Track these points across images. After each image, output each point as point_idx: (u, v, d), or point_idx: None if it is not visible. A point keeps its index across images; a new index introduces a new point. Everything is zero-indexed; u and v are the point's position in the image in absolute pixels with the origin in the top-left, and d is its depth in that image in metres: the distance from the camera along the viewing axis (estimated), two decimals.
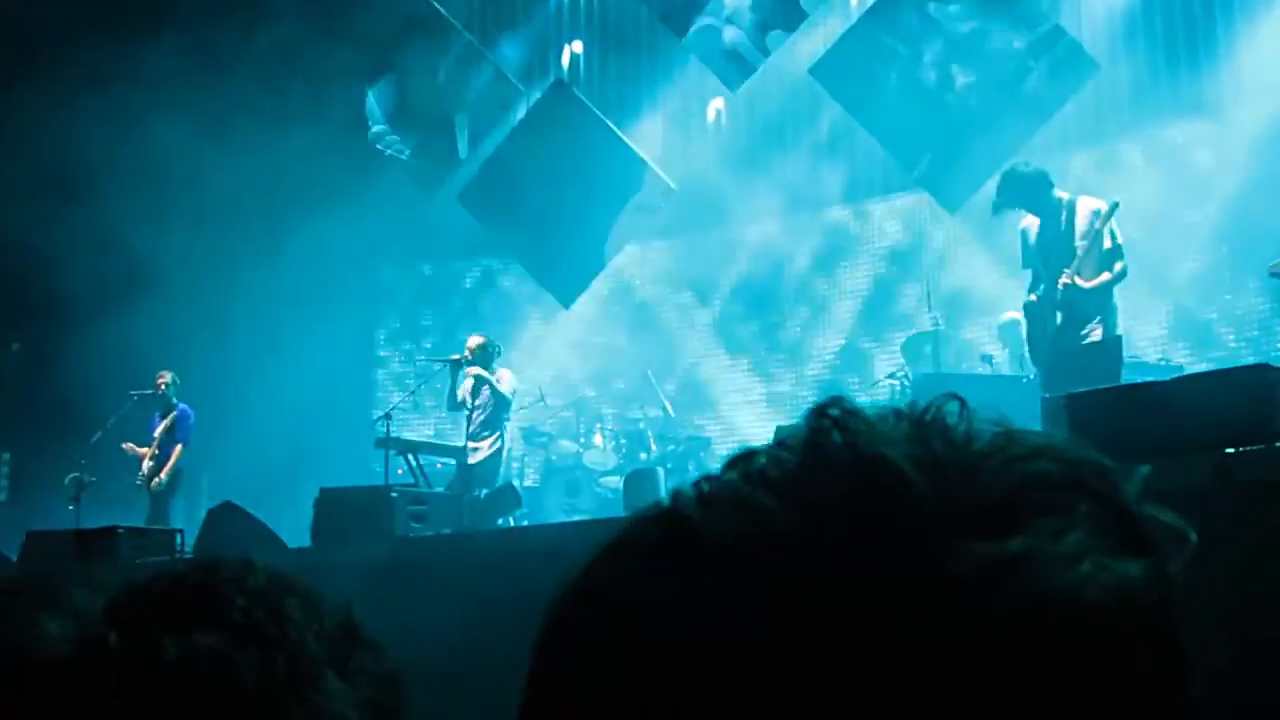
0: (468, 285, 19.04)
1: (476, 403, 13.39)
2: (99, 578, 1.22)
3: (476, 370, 13.31)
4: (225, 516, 9.93)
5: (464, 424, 13.50)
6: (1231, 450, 5.66)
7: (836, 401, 0.74)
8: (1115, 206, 9.90)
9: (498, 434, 13.41)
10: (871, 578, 0.67)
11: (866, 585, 0.67)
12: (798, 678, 0.66)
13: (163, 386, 14.43)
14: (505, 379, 13.50)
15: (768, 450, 0.74)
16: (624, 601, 0.72)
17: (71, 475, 14.30)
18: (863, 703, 0.65)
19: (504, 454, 13.69)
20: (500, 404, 13.39)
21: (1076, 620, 0.67)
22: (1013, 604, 0.66)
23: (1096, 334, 9.74)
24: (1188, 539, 0.72)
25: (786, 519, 0.70)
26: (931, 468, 0.70)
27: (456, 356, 13.62)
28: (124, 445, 14.40)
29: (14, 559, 10.05)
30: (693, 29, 15.46)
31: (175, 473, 14.27)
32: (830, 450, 0.72)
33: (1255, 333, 13.91)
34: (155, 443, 14.32)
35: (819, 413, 0.74)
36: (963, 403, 0.75)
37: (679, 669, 0.68)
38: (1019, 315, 12.94)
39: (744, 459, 0.74)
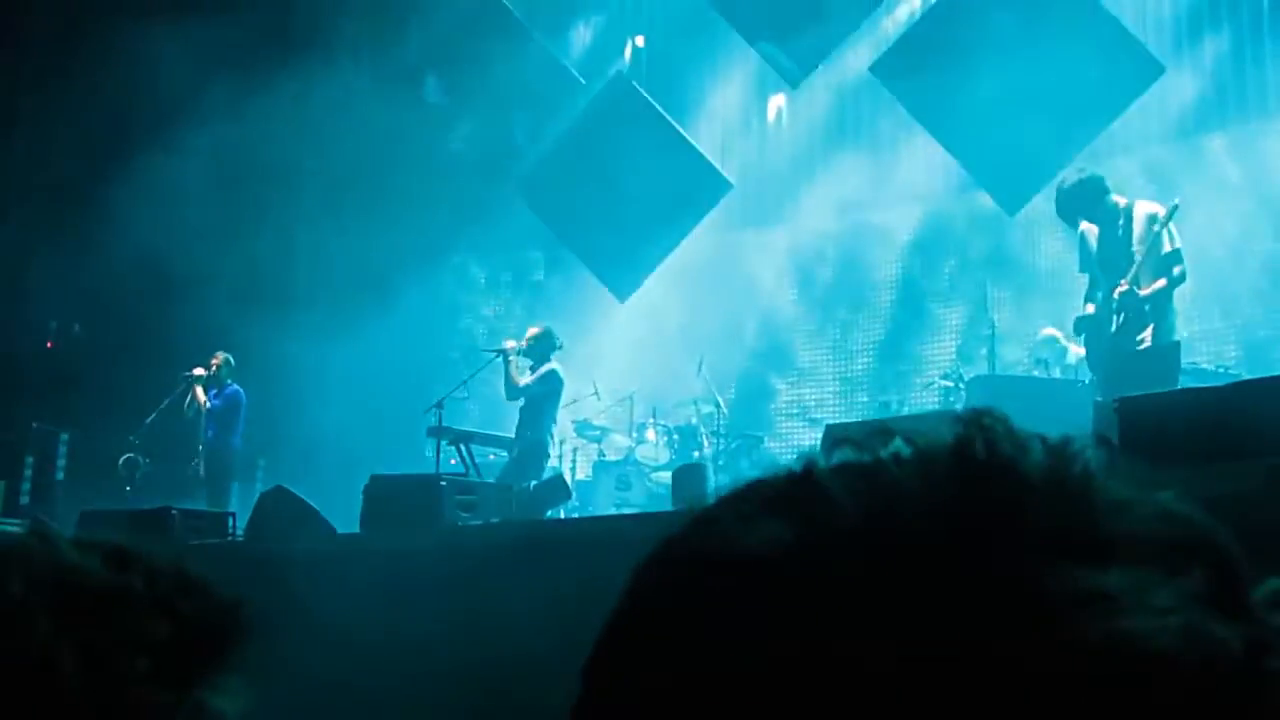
0: (525, 277, 19.08)
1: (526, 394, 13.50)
2: None
3: (515, 361, 13.44)
4: (277, 500, 9.99)
5: (518, 417, 13.61)
6: None
7: (986, 411, 0.76)
8: (1175, 209, 9.79)
9: (543, 425, 13.47)
10: (972, 574, 0.68)
11: (966, 578, 0.68)
12: (880, 641, 0.67)
13: (215, 367, 14.52)
14: (551, 370, 13.57)
15: (905, 434, 0.75)
16: (734, 543, 0.72)
17: (126, 456, 14.43)
18: (937, 681, 0.65)
19: (550, 445, 13.74)
20: (543, 395, 13.45)
21: (1151, 667, 0.65)
22: (1090, 636, 0.66)
23: (1155, 339, 9.66)
24: None
25: (914, 495, 0.71)
26: (1059, 492, 0.71)
27: (512, 344, 13.69)
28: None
29: None
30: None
31: (231, 455, 14.40)
32: (969, 446, 0.73)
33: None
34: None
35: (968, 419, 0.75)
36: (1112, 449, 0.75)
37: (779, 615, 0.69)
38: (1057, 332, 12.94)
39: (878, 437, 0.76)
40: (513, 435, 13.56)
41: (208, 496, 13.78)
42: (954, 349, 15.37)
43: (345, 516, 10.10)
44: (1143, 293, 9.59)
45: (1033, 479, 0.71)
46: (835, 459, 0.75)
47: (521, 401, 13.51)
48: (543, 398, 13.45)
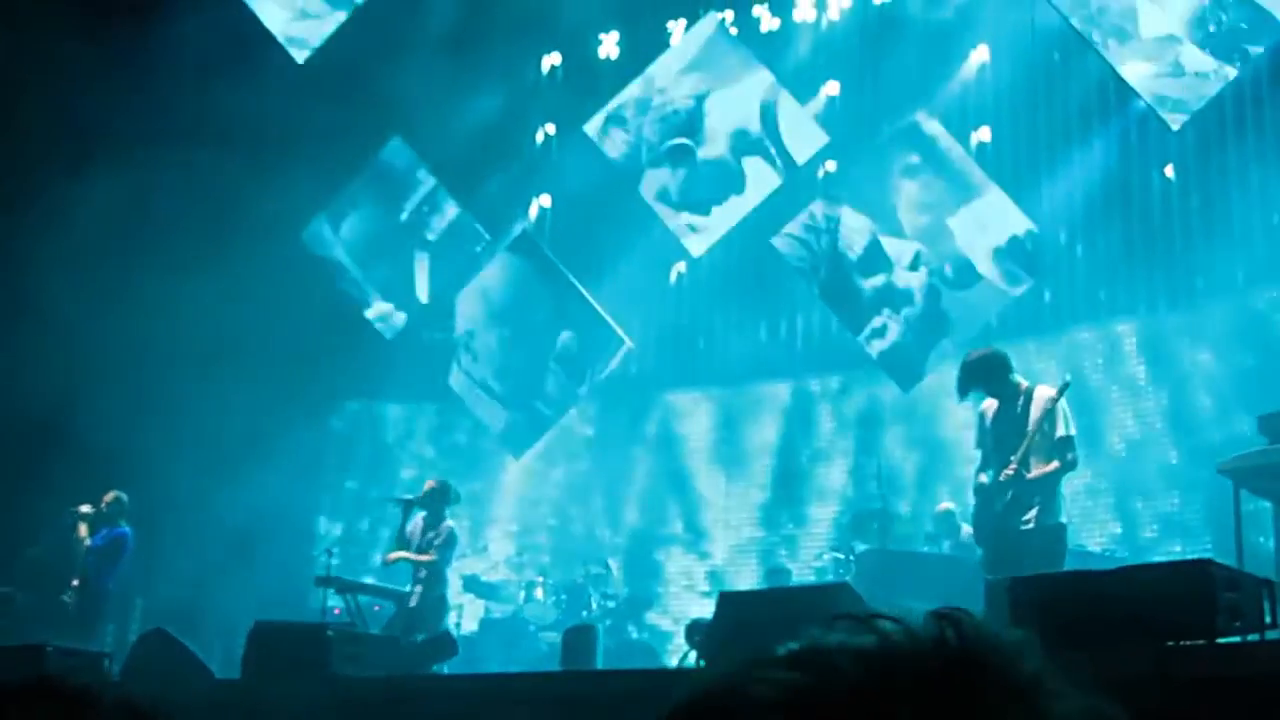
0: (419, 430, 18.94)
1: (423, 546, 13.31)
2: None
3: (410, 555, 13.25)
4: (155, 643, 9.78)
5: (411, 567, 13.35)
6: (1172, 644, 5.67)
7: (957, 610, 0.91)
8: (1066, 385, 9.90)
9: (440, 580, 13.29)
10: None
11: None
12: None
13: (105, 505, 14.17)
14: (445, 527, 13.42)
15: (895, 618, 0.91)
16: (752, 691, 0.86)
17: (2, 589, 14.04)
18: None
19: (447, 599, 13.56)
20: (443, 551, 13.31)
21: None
22: None
23: (1039, 520, 9.72)
24: None
25: (906, 660, 0.86)
26: (1015, 684, 0.86)
27: (410, 497, 13.53)
28: None
29: None
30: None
31: (104, 595, 14.02)
32: (946, 637, 0.88)
33: (1197, 530, 13.83)
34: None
35: (941, 615, 0.90)
36: (1044, 650, 0.90)
37: None
38: (952, 505, 13.09)
39: (870, 621, 0.91)
40: (402, 588, 13.34)
41: (73, 634, 13.32)
42: (846, 517, 15.45)
43: (227, 662, 9.89)
44: (1030, 476, 9.68)
45: (996, 670, 0.85)
46: (834, 638, 0.89)
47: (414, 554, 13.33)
48: (441, 553, 13.30)
